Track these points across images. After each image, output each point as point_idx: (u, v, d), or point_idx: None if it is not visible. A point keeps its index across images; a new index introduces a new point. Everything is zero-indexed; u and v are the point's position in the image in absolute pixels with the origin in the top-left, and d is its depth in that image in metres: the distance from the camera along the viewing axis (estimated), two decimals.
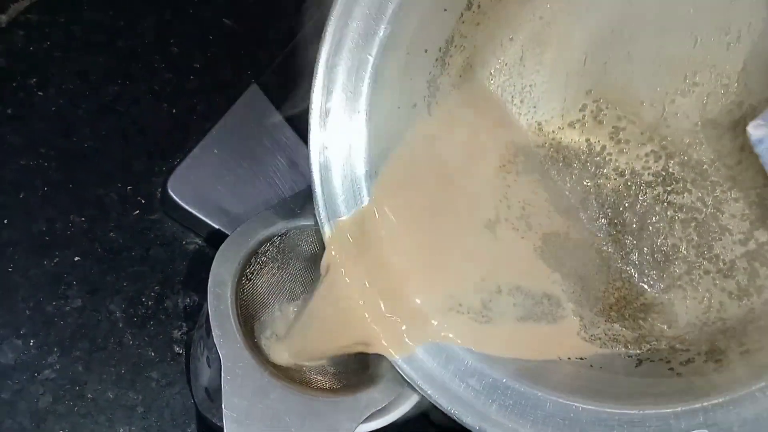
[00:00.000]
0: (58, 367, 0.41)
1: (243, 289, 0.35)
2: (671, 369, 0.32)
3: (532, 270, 0.36)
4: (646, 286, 0.36)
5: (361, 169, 0.34)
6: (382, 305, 0.33)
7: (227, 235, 0.47)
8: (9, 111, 0.47)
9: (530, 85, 0.38)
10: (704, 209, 0.35)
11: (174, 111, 0.51)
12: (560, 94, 0.37)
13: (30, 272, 0.43)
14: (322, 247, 0.34)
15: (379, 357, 0.34)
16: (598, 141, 0.37)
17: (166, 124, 0.50)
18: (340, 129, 0.33)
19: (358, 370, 0.36)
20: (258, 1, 0.59)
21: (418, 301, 0.34)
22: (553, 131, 0.38)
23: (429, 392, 0.32)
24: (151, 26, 0.53)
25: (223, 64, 0.55)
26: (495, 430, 0.31)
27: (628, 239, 0.37)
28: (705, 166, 0.35)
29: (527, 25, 0.37)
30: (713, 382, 0.30)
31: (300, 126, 0.53)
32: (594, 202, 0.38)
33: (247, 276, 0.36)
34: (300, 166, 0.51)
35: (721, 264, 0.34)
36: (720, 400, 0.29)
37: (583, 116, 0.37)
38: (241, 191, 0.48)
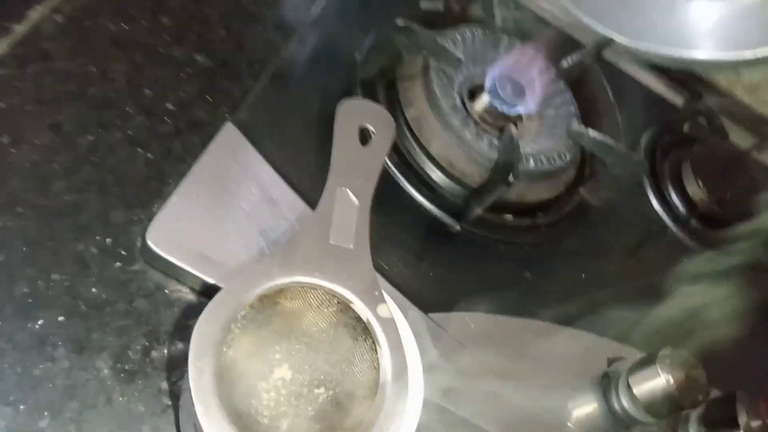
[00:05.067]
0: (50, 431, 0.41)
1: (224, 358, 0.36)
2: None
3: None
4: None
5: None
6: None
7: (210, 283, 0.48)
8: None
9: None
10: None
11: (149, 156, 0.51)
12: None
13: (15, 337, 0.43)
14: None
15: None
16: None
17: (143, 171, 0.50)
18: None
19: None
20: (229, 34, 0.59)
21: None
22: None
23: None
24: (123, 71, 0.53)
25: (196, 103, 0.55)
26: None
27: None
28: None
29: None
30: None
31: (277, 161, 0.53)
32: None
33: (228, 343, 0.36)
34: (277, 202, 0.52)
35: None
36: None
37: None
38: (221, 234, 0.49)
